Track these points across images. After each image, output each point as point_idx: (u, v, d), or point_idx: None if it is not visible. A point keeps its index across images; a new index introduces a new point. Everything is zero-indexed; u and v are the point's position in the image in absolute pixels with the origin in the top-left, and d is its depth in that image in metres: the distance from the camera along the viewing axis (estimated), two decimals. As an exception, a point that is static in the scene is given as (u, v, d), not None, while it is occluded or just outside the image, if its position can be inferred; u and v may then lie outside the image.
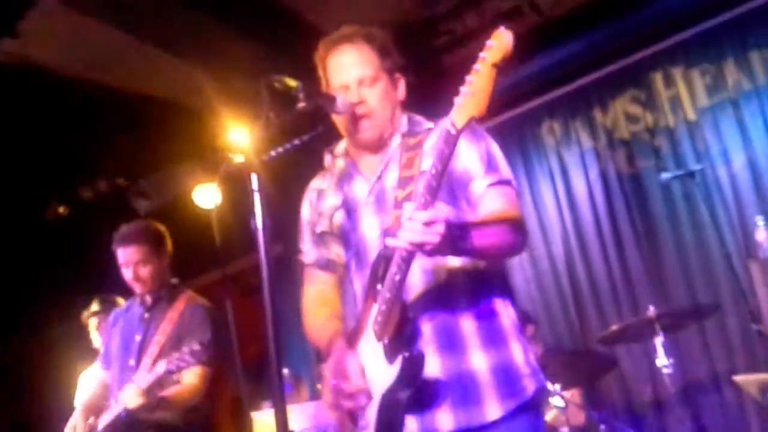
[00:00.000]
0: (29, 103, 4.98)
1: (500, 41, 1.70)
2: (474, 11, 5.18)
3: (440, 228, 1.73)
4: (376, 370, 1.93)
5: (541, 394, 2.06)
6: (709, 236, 4.80)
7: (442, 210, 1.81)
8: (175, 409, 3.33)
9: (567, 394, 4.19)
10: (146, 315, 3.56)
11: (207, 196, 5.27)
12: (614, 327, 4.04)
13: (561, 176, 5.51)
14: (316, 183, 2.34)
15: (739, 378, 3.93)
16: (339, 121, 2.21)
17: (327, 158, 2.32)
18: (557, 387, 3.79)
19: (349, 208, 2.18)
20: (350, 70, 2.16)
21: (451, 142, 1.75)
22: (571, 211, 5.42)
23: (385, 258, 1.94)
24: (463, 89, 1.72)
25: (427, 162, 2.01)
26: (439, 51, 5.38)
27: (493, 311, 2.04)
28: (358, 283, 2.16)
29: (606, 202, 5.29)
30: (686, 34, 5.10)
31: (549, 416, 3.84)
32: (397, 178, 2.08)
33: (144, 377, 3.19)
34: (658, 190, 5.08)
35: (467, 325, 2.00)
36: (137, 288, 3.57)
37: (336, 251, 2.24)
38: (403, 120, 2.20)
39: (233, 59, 4.73)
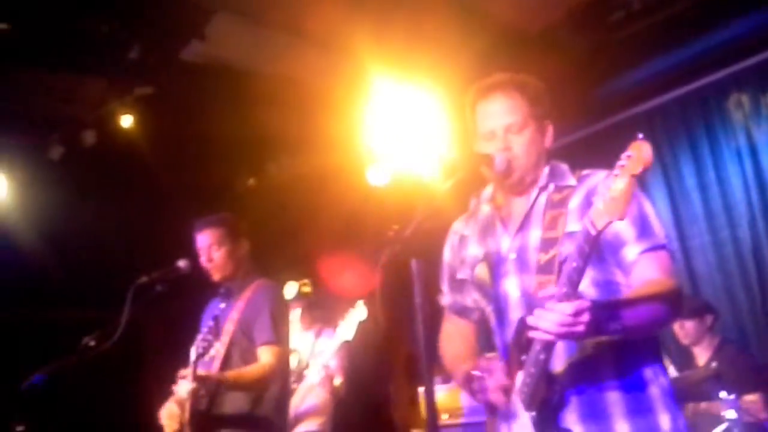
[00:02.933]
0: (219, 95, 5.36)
1: (639, 152, 1.69)
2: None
3: (585, 318, 1.77)
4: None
5: None
6: None
7: (585, 302, 1.80)
8: (243, 388, 3.43)
9: (746, 399, 4.01)
10: (222, 305, 3.69)
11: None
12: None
13: (749, 154, 5.11)
14: (459, 227, 2.40)
15: None
16: (487, 168, 2.23)
17: (472, 202, 2.37)
18: (731, 397, 3.61)
19: (491, 262, 2.23)
20: (499, 117, 2.22)
21: (590, 241, 1.77)
22: (760, 193, 5.03)
23: (527, 326, 1.97)
24: (602, 191, 1.74)
25: (571, 225, 2.03)
26: (613, 26, 5.12)
27: (641, 381, 2.02)
28: (499, 339, 2.22)
29: (797, 183, 4.86)
30: None
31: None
32: (540, 239, 2.10)
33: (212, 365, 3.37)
34: None
35: (613, 395, 2.00)
36: (214, 274, 3.69)
37: (474, 298, 2.31)
38: (545, 170, 2.22)
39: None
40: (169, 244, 3.97)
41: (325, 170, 5.55)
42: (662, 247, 2.04)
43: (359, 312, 4.39)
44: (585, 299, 1.82)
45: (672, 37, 5.04)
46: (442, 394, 5.07)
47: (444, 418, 5.28)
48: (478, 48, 5.11)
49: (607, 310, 1.83)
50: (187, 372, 3.32)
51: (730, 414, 3.59)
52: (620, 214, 1.70)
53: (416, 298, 1.92)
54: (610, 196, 1.71)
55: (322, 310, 5.10)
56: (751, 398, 4.15)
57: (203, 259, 3.73)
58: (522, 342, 2.00)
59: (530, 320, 1.85)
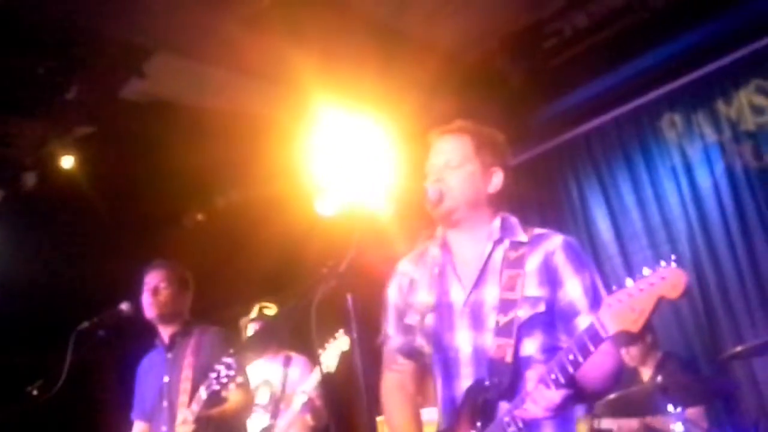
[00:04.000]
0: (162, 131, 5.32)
1: (676, 281, 1.74)
2: (582, 11, 5.04)
3: (556, 409, 1.89)
4: None
5: None
6: None
7: (557, 398, 1.89)
8: (228, 427, 3.50)
9: (690, 411, 4.11)
10: (169, 355, 3.71)
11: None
12: (737, 348, 3.90)
13: (684, 171, 5.29)
14: (408, 268, 2.38)
15: None
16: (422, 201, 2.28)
17: (420, 243, 2.39)
18: (678, 410, 3.69)
19: (442, 313, 2.22)
20: (441, 154, 2.30)
21: (596, 342, 1.82)
22: (697, 208, 5.20)
23: (484, 388, 2.03)
24: (622, 299, 1.76)
25: (530, 290, 2.11)
26: (547, 53, 5.28)
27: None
28: (444, 391, 2.21)
29: (733, 199, 5.03)
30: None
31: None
32: (497, 299, 2.12)
33: (191, 410, 3.36)
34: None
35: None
36: (153, 309, 3.70)
37: (421, 344, 2.29)
38: (497, 222, 2.25)
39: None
40: (114, 286, 3.92)
41: (272, 201, 5.54)
42: None
43: (341, 342, 4.30)
44: (560, 396, 1.89)
45: (604, 61, 5.21)
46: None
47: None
48: (423, 78, 5.20)
49: (567, 403, 1.92)
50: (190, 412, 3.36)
51: (677, 427, 3.66)
52: (636, 329, 1.74)
53: (353, 333, 1.94)
54: (632, 306, 1.74)
55: (281, 336, 5.00)
56: (692, 411, 4.25)
57: (146, 294, 3.73)
58: (477, 403, 2.03)
59: (517, 412, 1.94)
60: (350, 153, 5.01)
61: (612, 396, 3.73)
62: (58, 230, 5.63)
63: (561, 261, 2.13)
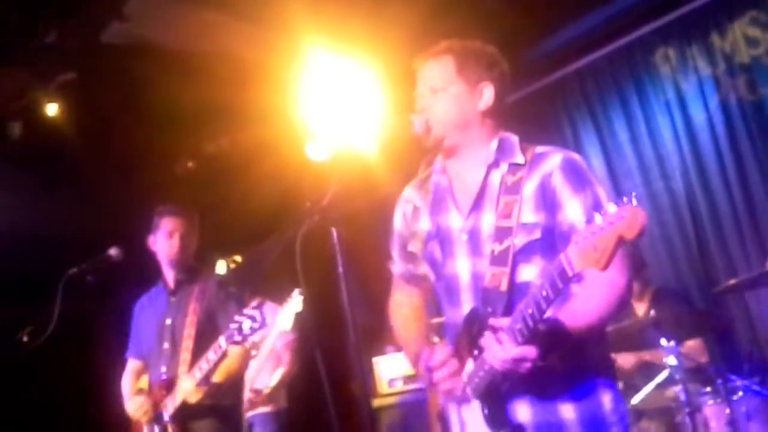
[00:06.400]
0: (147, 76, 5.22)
1: (634, 220, 1.64)
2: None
3: (527, 365, 1.84)
4: (476, 426, 2.05)
5: None
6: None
7: (531, 351, 1.85)
8: (228, 390, 3.56)
9: (687, 345, 4.14)
10: (173, 299, 3.74)
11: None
12: (730, 282, 3.90)
13: (678, 106, 5.22)
14: (411, 195, 2.35)
15: None
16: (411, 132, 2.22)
17: (421, 168, 2.34)
18: (672, 343, 3.71)
19: (442, 240, 2.20)
20: (425, 80, 2.22)
21: (564, 279, 1.77)
22: (691, 143, 5.14)
23: (479, 317, 2.01)
24: (587, 236, 1.70)
25: (526, 216, 2.04)
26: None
27: (587, 365, 2.06)
28: (447, 316, 2.21)
29: (727, 133, 4.97)
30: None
31: (657, 379, 3.82)
32: (494, 227, 2.07)
33: (197, 371, 3.40)
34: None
35: (559, 380, 2.02)
36: (172, 258, 3.74)
37: (424, 271, 2.29)
38: (494, 144, 2.17)
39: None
40: (104, 233, 3.89)
41: (263, 145, 5.47)
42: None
43: (295, 303, 4.29)
44: (532, 348, 1.84)
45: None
46: (397, 361, 5.12)
47: (398, 386, 5.35)
48: (414, 19, 5.09)
49: (553, 343, 1.87)
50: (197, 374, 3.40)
51: (671, 360, 3.67)
52: (600, 267, 1.68)
53: (339, 267, 1.91)
54: (594, 245, 1.68)
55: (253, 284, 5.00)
56: (691, 343, 4.29)
57: (163, 238, 3.75)
58: (473, 332, 2.01)
59: (482, 341, 1.91)
60: (341, 96, 4.93)
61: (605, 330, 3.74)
62: (45, 179, 5.58)
63: (559, 182, 2.05)
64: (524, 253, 2.03)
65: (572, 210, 2.02)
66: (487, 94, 2.18)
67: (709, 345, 4.44)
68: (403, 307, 2.42)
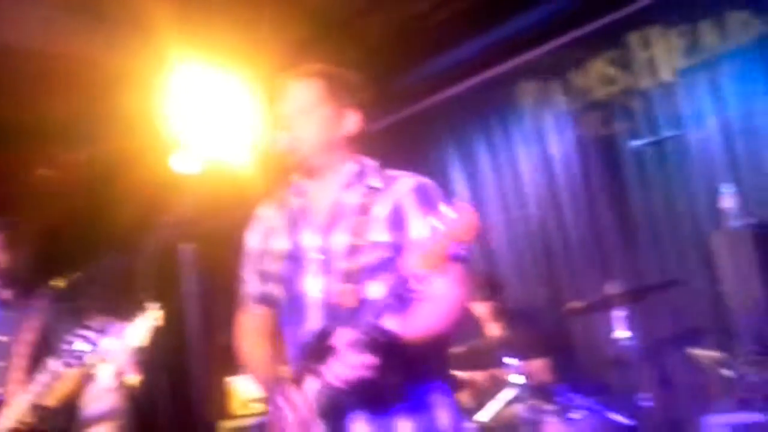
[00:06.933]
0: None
1: (468, 221, 1.74)
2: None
3: (364, 377, 1.87)
4: None
5: None
6: (680, 203, 4.83)
7: (368, 360, 1.87)
8: (60, 415, 3.40)
9: (531, 365, 4.35)
10: (9, 314, 3.55)
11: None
12: (575, 304, 4.15)
13: (537, 138, 5.53)
14: (267, 213, 2.37)
15: (694, 351, 4.05)
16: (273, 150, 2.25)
17: (282, 191, 2.36)
18: (518, 362, 3.89)
19: (295, 259, 2.22)
20: (291, 101, 2.25)
21: (402, 284, 1.84)
22: (547, 174, 5.46)
23: (325, 335, 2.01)
24: (425, 242, 1.79)
25: (377, 235, 2.11)
26: (413, 18, 5.33)
27: (425, 380, 2.11)
28: (291, 336, 2.22)
29: (581, 165, 5.29)
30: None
31: (503, 396, 4.01)
32: (346, 245, 2.13)
33: (29, 394, 3.24)
34: (630, 155, 5.06)
35: (397, 395, 2.06)
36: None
37: (276, 291, 2.29)
38: (351, 167, 2.24)
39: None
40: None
41: (125, 156, 5.33)
42: (457, 258, 2.05)
43: (150, 318, 4.15)
44: (369, 358, 1.87)
45: (465, 29, 5.32)
46: (251, 383, 5.08)
47: (254, 407, 5.32)
48: (290, 36, 5.13)
49: (389, 354, 1.90)
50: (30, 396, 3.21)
51: (517, 379, 3.86)
52: (433, 271, 1.76)
53: (186, 284, 1.91)
54: (431, 249, 1.75)
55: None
56: (537, 363, 4.51)
57: None
58: (321, 350, 2.00)
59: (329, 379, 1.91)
60: (210, 108, 4.89)
61: (458, 350, 3.90)
62: None
63: (409, 203, 2.13)
64: (374, 270, 2.08)
65: (417, 231, 2.10)
66: (352, 119, 2.26)
67: (554, 365, 4.68)
68: (250, 330, 2.38)
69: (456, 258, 2.04)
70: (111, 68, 4.87)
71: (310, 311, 2.15)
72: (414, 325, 2.01)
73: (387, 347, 1.92)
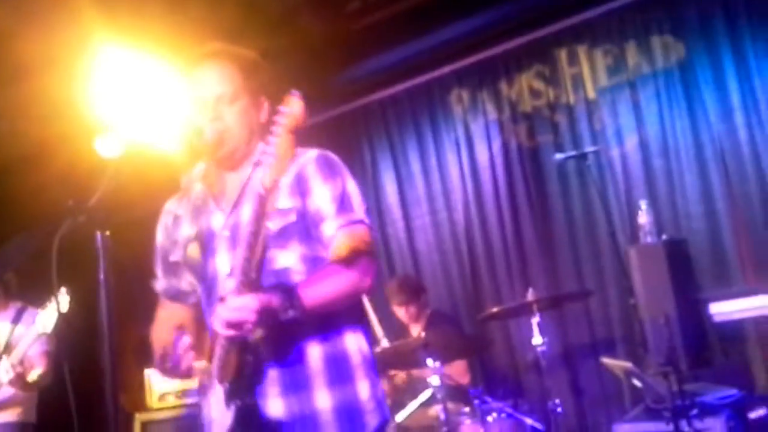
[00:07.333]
0: None
1: (292, 108, 1.78)
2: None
3: (252, 317, 1.83)
4: (218, 411, 2.01)
5: (384, 427, 2.13)
6: (598, 215, 5.01)
7: (250, 300, 1.85)
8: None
9: (450, 367, 4.42)
10: None
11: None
12: (494, 309, 4.25)
13: (466, 145, 5.64)
14: (172, 206, 2.32)
15: (606, 360, 4.20)
16: (197, 139, 2.16)
17: (184, 179, 2.32)
18: (437, 364, 3.94)
19: (203, 240, 2.19)
20: (210, 86, 2.17)
21: (263, 201, 1.85)
22: (473, 180, 5.57)
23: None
24: (267, 151, 1.81)
25: (281, 202, 2.04)
26: (349, 16, 5.35)
27: (341, 347, 2.10)
28: (208, 317, 2.18)
29: (506, 174, 5.45)
30: (593, 12, 5.18)
31: (421, 398, 4.07)
32: (251, 216, 2.06)
33: None
34: (554, 166, 5.24)
35: (314, 363, 2.05)
36: None
37: (189, 281, 2.27)
38: (260, 146, 2.16)
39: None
40: None
41: (50, 138, 5.14)
42: (359, 222, 2.13)
43: (58, 304, 4.01)
44: (255, 296, 1.86)
45: (403, 32, 5.38)
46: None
47: (170, 401, 5.23)
48: (222, 23, 5.04)
49: (284, 299, 1.89)
50: None
51: (435, 380, 3.90)
52: (285, 173, 1.81)
53: (101, 273, 1.86)
54: (275, 153, 1.78)
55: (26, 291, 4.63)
56: (455, 365, 4.59)
57: None
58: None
59: (215, 326, 1.88)
60: (136, 93, 4.78)
61: (379, 349, 3.93)
62: None
63: (311, 171, 2.14)
64: (280, 237, 2.07)
65: (320, 196, 2.11)
66: (266, 108, 2.23)
67: (471, 367, 4.79)
68: (163, 323, 2.30)
69: (356, 222, 2.11)
70: (33, 47, 4.69)
71: (220, 288, 2.12)
72: (309, 283, 2.00)
73: (277, 290, 1.91)
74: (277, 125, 1.77)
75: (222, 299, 1.88)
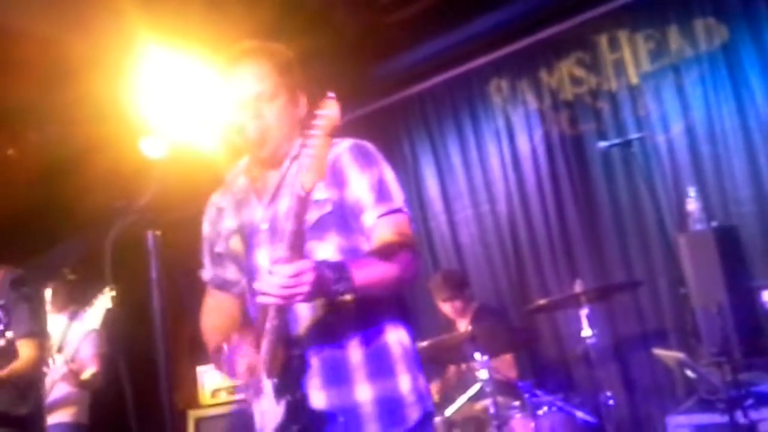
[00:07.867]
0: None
1: (329, 111, 1.75)
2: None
3: (307, 278, 1.79)
4: (269, 404, 2.03)
5: (427, 420, 2.13)
6: (645, 203, 4.92)
7: (307, 262, 1.84)
8: (17, 386, 3.37)
9: (498, 361, 4.39)
10: None
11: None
12: (541, 302, 4.20)
13: (507, 135, 5.57)
14: (217, 199, 2.36)
15: (657, 351, 4.13)
16: (239, 137, 2.18)
17: (229, 174, 2.35)
18: (485, 358, 3.92)
19: (245, 234, 2.21)
20: (249, 84, 2.17)
21: (303, 203, 1.82)
22: (515, 170, 5.51)
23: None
24: (306, 152, 1.78)
25: (317, 194, 2.01)
26: (384, 10, 5.32)
27: (382, 340, 2.10)
28: (252, 311, 2.22)
29: (548, 163, 5.37)
30: (633, -3, 5.09)
31: (470, 392, 4.04)
32: (289, 208, 2.03)
33: None
34: (598, 154, 5.15)
35: (355, 356, 2.06)
36: None
37: (233, 272, 2.31)
38: (298, 141, 2.16)
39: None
40: None
41: (96, 140, 5.22)
42: (398, 210, 2.11)
43: (105, 299, 4.10)
44: (307, 260, 1.85)
45: (439, 24, 5.35)
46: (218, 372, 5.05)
47: (222, 397, 5.29)
48: (260, 22, 5.06)
49: (334, 271, 1.87)
50: None
51: (483, 374, 3.88)
52: (323, 175, 1.77)
53: (152, 272, 1.87)
54: (314, 154, 1.76)
55: (82, 291, 4.75)
56: (503, 358, 4.56)
57: None
58: (266, 311, 1.99)
59: (256, 286, 1.86)
60: (180, 92, 4.83)
61: (425, 344, 3.91)
62: None
63: (347, 161, 2.13)
64: (317, 229, 2.07)
65: (358, 185, 2.10)
66: (303, 102, 2.24)
67: (519, 361, 4.75)
68: (212, 311, 2.37)
69: (395, 211, 2.10)
70: (79, 50, 4.76)
71: None
72: (360, 261, 1.99)
73: (330, 265, 1.89)
74: (314, 128, 1.76)
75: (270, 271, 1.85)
